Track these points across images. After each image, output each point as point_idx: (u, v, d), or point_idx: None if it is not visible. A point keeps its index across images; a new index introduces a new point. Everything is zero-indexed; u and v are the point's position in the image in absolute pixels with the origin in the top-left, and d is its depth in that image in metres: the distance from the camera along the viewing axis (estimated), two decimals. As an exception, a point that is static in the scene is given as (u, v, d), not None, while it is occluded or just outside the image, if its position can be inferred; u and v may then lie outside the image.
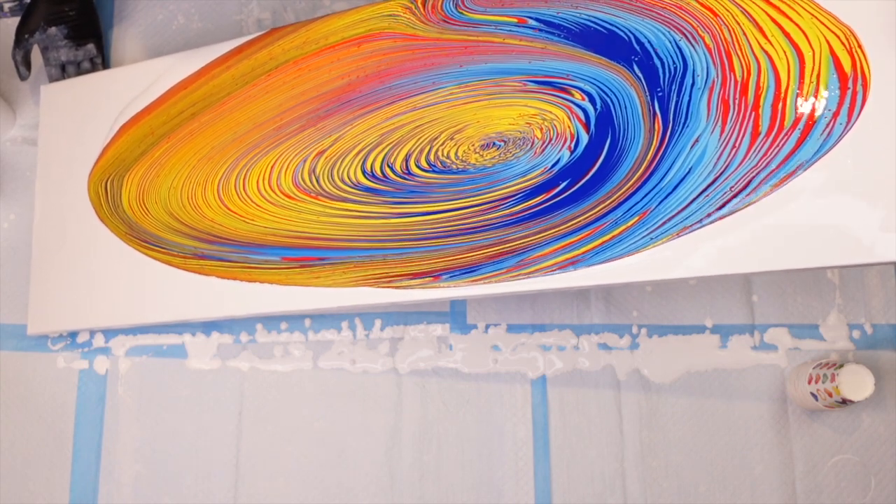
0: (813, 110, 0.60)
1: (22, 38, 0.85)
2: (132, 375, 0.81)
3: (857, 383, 0.67)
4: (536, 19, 0.70)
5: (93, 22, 0.88)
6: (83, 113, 0.84)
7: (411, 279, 0.69)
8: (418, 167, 0.71)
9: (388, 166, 0.72)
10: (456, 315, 0.80)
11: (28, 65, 0.86)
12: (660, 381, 0.77)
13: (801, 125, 0.61)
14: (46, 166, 0.84)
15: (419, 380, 0.79)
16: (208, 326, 0.82)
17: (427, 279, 0.68)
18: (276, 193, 0.75)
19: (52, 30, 0.86)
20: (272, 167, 0.76)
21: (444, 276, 0.68)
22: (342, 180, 0.73)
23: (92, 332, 0.83)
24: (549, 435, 0.76)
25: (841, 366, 0.68)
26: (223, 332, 0.81)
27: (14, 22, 0.87)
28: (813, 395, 0.70)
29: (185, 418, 0.80)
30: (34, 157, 0.87)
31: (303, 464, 0.78)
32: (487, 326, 0.79)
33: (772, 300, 0.77)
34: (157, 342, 0.82)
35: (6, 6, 0.88)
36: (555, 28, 0.69)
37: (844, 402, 0.67)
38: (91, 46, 0.88)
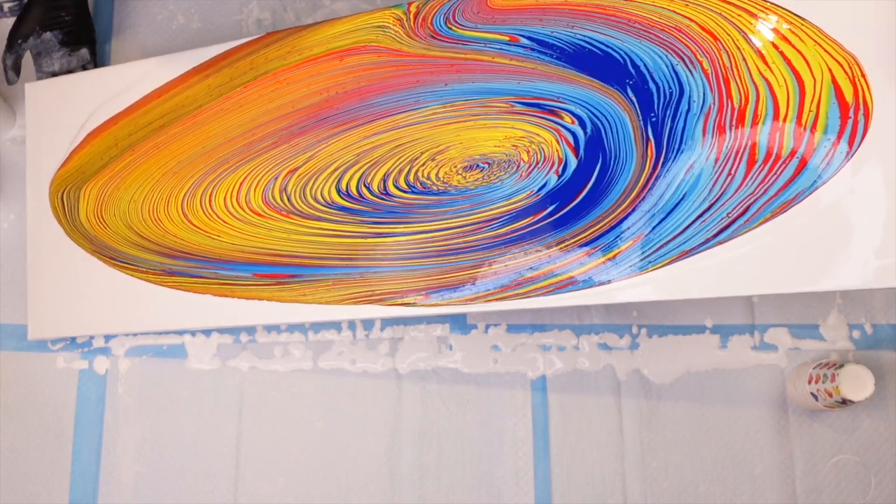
0: (812, 139, 0.59)
1: (14, 44, 0.83)
2: (132, 375, 0.81)
3: (857, 383, 0.67)
4: (529, 38, 0.67)
5: (87, 27, 0.86)
6: (63, 115, 0.81)
7: (402, 297, 0.68)
8: (397, 187, 0.69)
9: (365, 186, 0.70)
10: (456, 315, 0.80)
11: (17, 70, 0.84)
12: (660, 381, 0.77)
13: (799, 154, 0.59)
14: (35, 168, 0.82)
15: (419, 380, 0.79)
16: (208, 326, 0.82)
17: (418, 296, 0.67)
18: (244, 210, 0.73)
19: (47, 35, 0.83)
20: (241, 184, 0.74)
21: (434, 296, 0.67)
22: (315, 199, 0.71)
23: (92, 332, 0.83)
24: (549, 435, 0.76)
25: (841, 366, 0.68)
26: (223, 332, 0.81)
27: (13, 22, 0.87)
28: (813, 395, 0.70)
29: (185, 418, 0.80)
30: (34, 158, 0.87)
31: (303, 464, 0.78)
32: (487, 326, 0.79)
33: (772, 300, 0.77)
34: (156, 342, 0.82)
35: (6, 6, 0.87)
36: (547, 48, 0.67)
37: (844, 402, 0.67)
38: (85, 52, 0.85)
